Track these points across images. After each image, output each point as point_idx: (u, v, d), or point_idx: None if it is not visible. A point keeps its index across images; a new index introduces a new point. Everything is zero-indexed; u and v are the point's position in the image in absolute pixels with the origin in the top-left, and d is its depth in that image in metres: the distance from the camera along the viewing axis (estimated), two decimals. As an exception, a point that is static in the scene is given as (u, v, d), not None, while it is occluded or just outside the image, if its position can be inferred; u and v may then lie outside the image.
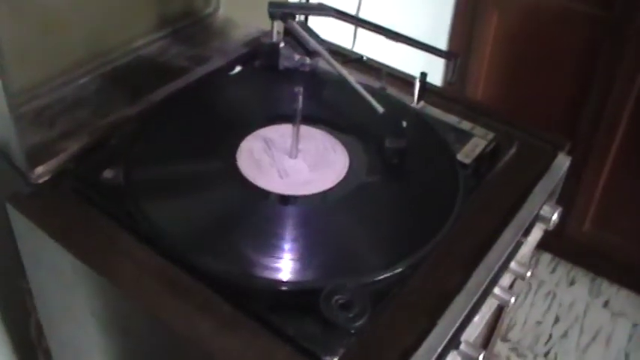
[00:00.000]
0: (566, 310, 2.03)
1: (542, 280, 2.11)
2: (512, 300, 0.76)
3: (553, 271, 2.15)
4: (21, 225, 0.75)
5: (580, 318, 2.01)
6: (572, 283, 2.11)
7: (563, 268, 2.15)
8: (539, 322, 1.99)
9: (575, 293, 2.08)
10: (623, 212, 1.96)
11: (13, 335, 0.99)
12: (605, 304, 2.05)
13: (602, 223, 2.01)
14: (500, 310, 0.97)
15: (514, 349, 1.91)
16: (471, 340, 0.70)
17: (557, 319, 2.00)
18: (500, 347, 1.89)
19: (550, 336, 1.95)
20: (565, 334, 1.96)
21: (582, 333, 1.96)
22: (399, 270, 0.67)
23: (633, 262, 2.01)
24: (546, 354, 1.90)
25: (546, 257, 2.17)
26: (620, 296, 2.07)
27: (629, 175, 1.89)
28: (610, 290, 2.09)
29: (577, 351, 1.91)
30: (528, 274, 0.80)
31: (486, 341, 1.05)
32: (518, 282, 0.86)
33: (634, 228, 1.95)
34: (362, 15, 1.29)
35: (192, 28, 1.06)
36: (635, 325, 1.98)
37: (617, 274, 2.08)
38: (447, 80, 0.87)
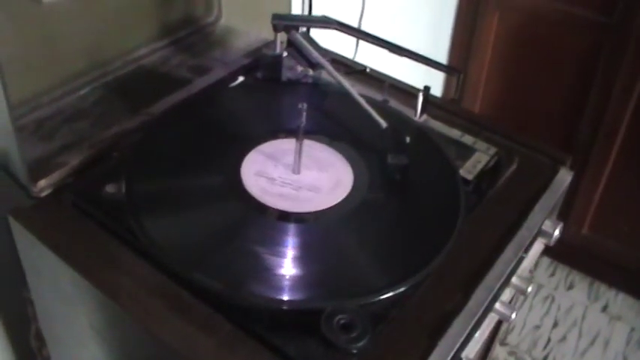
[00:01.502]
0: (565, 313, 2.04)
1: (541, 284, 2.11)
2: (514, 315, 0.75)
3: (552, 274, 2.15)
4: (23, 238, 0.75)
5: (578, 322, 2.01)
6: (570, 287, 2.12)
7: (562, 272, 2.16)
8: (537, 326, 1.99)
9: (574, 297, 2.08)
10: (621, 216, 1.96)
11: (13, 343, 0.99)
12: (604, 308, 2.06)
13: (600, 227, 2.02)
14: (499, 324, 0.97)
15: (512, 353, 1.91)
16: (471, 356, 0.70)
17: (555, 323, 2.00)
18: (498, 351, 1.89)
19: (549, 340, 1.96)
20: (563, 338, 1.96)
21: (581, 337, 1.97)
22: (400, 290, 0.67)
23: (631, 266, 2.01)
24: (545, 358, 1.90)
25: (545, 261, 2.18)
26: (618, 300, 2.08)
27: (627, 179, 1.89)
28: (608, 294, 2.10)
29: (575, 355, 1.92)
30: (529, 289, 0.80)
31: (485, 352, 1.05)
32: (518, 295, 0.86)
33: (632, 232, 1.96)
34: (364, 21, 1.29)
35: (193, 37, 1.06)
36: (633, 329, 1.99)
37: (615, 278, 2.09)
38: (450, 96, 0.86)
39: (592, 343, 1.95)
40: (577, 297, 2.09)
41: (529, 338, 1.96)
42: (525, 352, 1.92)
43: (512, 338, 1.95)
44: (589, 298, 2.09)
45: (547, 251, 2.10)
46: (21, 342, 0.98)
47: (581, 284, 2.12)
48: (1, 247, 0.82)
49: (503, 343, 1.92)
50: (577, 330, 1.99)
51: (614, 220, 1.98)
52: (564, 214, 1.95)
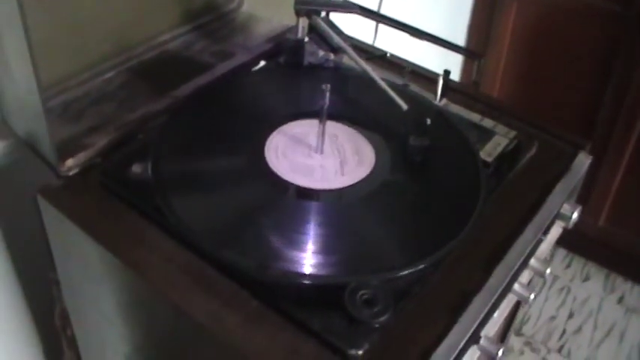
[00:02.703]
0: (580, 305, 2.04)
1: (557, 276, 2.12)
2: (532, 297, 0.76)
3: (568, 266, 2.15)
4: (51, 216, 0.77)
5: (594, 313, 2.01)
6: (586, 278, 2.12)
7: (578, 264, 2.16)
8: (553, 317, 2.00)
9: (590, 289, 2.09)
10: (638, 209, 1.96)
11: (38, 323, 1.01)
12: (620, 299, 2.06)
13: (617, 219, 2.02)
14: (517, 305, 0.98)
15: (528, 344, 1.92)
16: (491, 334, 0.71)
17: (571, 314, 2.01)
18: (513, 341, 1.90)
19: (564, 331, 1.96)
20: (579, 329, 1.97)
21: (596, 328, 1.97)
22: (421, 267, 0.68)
23: (648, 258, 2.01)
24: (560, 349, 1.91)
25: (561, 252, 2.18)
26: (634, 292, 2.08)
27: (645, 171, 1.89)
28: (624, 286, 2.10)
29: (591, 346, 1.92)
30: (548, 270, 0.81)
31: (503, 335, 1.06)
32: (536, 277, 0.87)
33: (649, 224, 1.96)
34: (383, 9, 1.30)
35: (216, 23, 1.07)
36: (648, 322, 1.99)
37: (631, 270, 2.09)
38: (471, 79, 0.87)
39: (607, 334, 1.95)
40: (593, 288, 2.09)
41: (544, 329, 1.96)
42: (541, 343, 1.92)
43: (527, 329, 1.95)
44: (605, 289, 2.09)
45: (563, 242, 2.12)
46: (45, 322, 1.00)
47: (597, 276, 2.13)
48: (29, 228, 0.84)
49: (518, 334, 1.93)
50: (592, 321, 1.99)
51: (631, 213, 1.98)
52: (581, 205, 1.95)
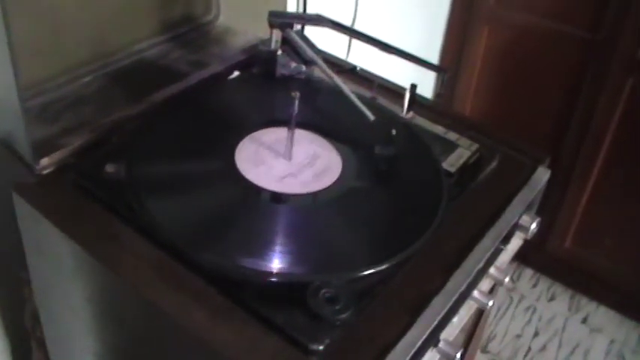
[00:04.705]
0: (546, 324, 2.07)
1: (523, 295, 2.15)
2: (490, 303, 0.79)
3: (534, 286, 2.19)
4: (25, 214, 0.78)
5: (559, 332, 2.05)
6: (552, 298, 2.15)
7: (544, 284, 2.19)
8: (518, 335, 2.03)
9: (555, 308, 2.12)
10: (604, 230, 2.00)
11: (7, 324, 1.02)
12: (584, 319, 2.09)
13: (583, 241, 2.05)
14: (479, 315, 1.00)
15: (493, 361, 1.95)
16: (450, 339, 0.73)
17: (536, 333, 2.04)
18: (480, 358, 1.92)
19: (529, 349, 1.99)
20: (544, 348, 2.00)
21: (561, 347, 2.00)
22: (383, 268, 0.70)
23: (613, 279, 2.05)
24: (525, 366, 1.94)
25: (528, 272, 2.21)
26: (599, 313, 2.11)
27: (610, 195, 1.93)
28: (589, 306, 2.13)
29: (555, 364, 1.95)
30: (506, 279, 0.83)
31: (466, 345, 1.08)
32: (501, 292, 0.89)
33: (614, 247, 2.00)
34: (357, 26, 1.33)
35: (193, 33, 1.10)
36: (612, 341, 2.02)
37: (596, 291, 2.12)
38: (436, 92, 0.90)
39: (572, 353, 1.99)
40: (558, 308, 2.12)
41: (510, 346, 1.99)
42: (506, 361, 1.95)
43: (493, 346, 1.98)
44: (570, 309, 2.12)
45: (530, 263, 2.16)
46: (15, 322, 1.01)
47: (563, 296, 2.16)
48: (2, 227, 0.85)
49: (485, 351, 1.95)
50: (557, 340, 2.02)
51: (597, 235, 2.01)
52: (548, 227, 2.00)
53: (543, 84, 1.94)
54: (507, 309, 2.10)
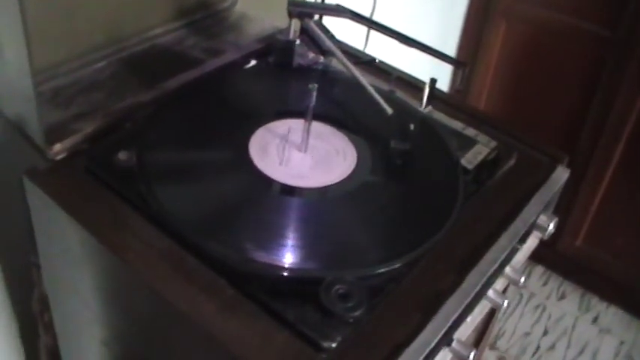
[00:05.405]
0: (555, 323, 2.06)
1: (533, 293, 2.13)
2: (505, 303, 0.78)
3: (544, 284, 2.17)
4: (36, 199, 0.78)
5: (568, 331, 2.03)
6: (562, 297, 2.14)
7: (555, 282, 2.18)
8: (527, 333, 2.01)
9: (565, 307, 2.11)
10: (616, 230, 1.98)
11: (15, 308, 1.02)
12: (594, 319, 2.08)
13: (595, 239, 2.04)
14: (491, 314, 0.99)
15: (502, 358, 1.93)
16: (463, 339, 0.72)
17: (545, 332, 2.02)
18: (488, 355, 1.91)
19: (538, 347, 1.98)
20: (552, 347, 1.98)
21: (569, 346, 1.99)
22: (396, 266, 0.69)
23: (624, 280, 2.03)
24: (533, 365, 1.93)
25: (538, 270, 2.20)
26: (609, 313, 2.10)
27: (624, 193, 1.91)
28: (599, 306, 2.12)
29: (563, 364, 1.94)
30: (522, 279, 0.82)
31: (477, 343, 1.07)
32: (511, 290, 0.88)
33: (626, 246, 1.98)
34: (375, 18, 1.32)
35: (208, 20, 1.09)
36: (622, 342, 2.01)
37: (607, 291, 2.11)
38: (455, 87, 0.89)
39: (580, 353, 1.97)
40: (568, 307, 2.11)
41: (519, 344, 1.98)
42: (514, 358, 1.94)
43: (501, 343, 1.97)
44: (580, 309, 2.11)
45: (541, 260, 2.14)
46: (22, 305, 1.00)
47: (573, 295, 2.15)
48: (14, 211, 0.85)
49: (493, 348, 1.94)
50: (566, 339, 2.01)
51: (609, 234, 2.00)
52: (560, 225, 1.97)
53: (559, 80, 1.92)
54: (517, 306, 2.08)
